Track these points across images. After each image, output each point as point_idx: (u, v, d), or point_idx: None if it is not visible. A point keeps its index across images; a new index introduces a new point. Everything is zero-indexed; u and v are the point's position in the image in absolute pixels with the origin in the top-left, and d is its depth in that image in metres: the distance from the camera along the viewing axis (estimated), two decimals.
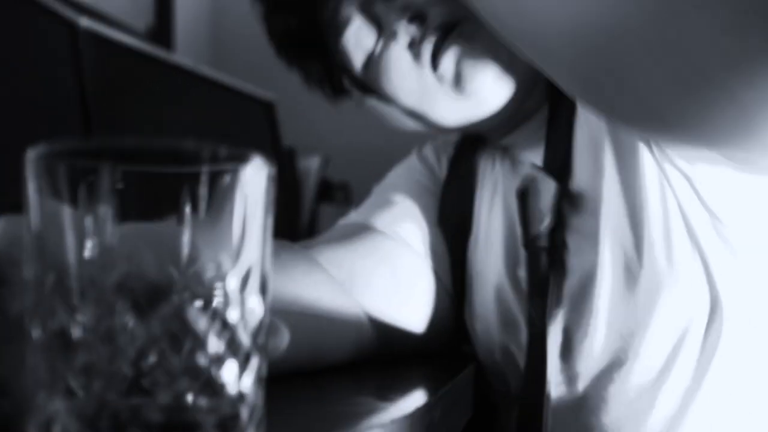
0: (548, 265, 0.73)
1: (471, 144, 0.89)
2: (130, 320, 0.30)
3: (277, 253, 0.36)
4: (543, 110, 0.78)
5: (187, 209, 0.30)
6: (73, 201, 0.31)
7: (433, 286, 0.83)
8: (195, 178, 0.30)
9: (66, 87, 1.22)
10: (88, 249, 0.31)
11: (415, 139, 2.05)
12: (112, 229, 0.31)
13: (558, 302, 0.73)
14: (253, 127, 1.78)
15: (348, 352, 0.75)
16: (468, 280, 0.85)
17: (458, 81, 0.73)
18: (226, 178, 0.31)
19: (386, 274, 0.80)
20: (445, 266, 0.85)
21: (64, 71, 1.22)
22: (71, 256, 0.31)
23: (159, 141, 0.30)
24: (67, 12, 1.24)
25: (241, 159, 0.32)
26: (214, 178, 0.31)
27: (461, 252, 0.85)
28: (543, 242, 0.73)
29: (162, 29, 1.96)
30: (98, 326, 0.30)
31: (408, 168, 0.93)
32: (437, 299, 0.83)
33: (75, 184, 0.31)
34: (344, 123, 2.14)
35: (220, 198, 0.31)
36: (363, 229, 0.83)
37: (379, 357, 0.79)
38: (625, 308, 0.69)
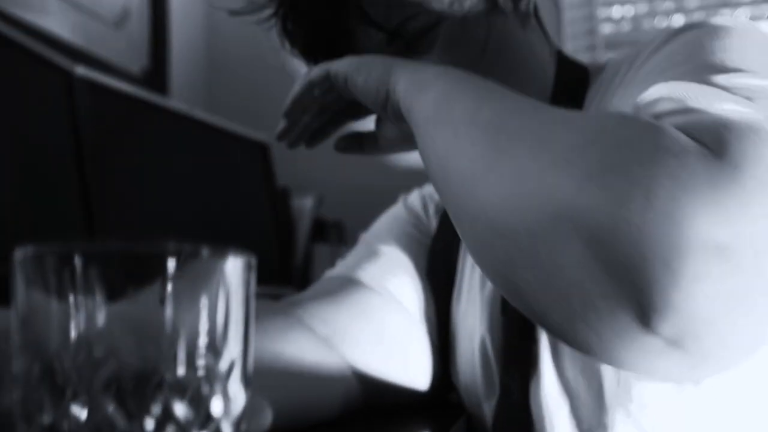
0: (522, 336, 0.72)
1: None
2: (117, 417, 0.30)
3: (258, 314, 0.37)
4: None
5: (171, 304, 0.31)
6: (61, 294, 0.32)
7: (418, 339, 0.84)
8: (179, 275, 0.31)
9: (61, 134, 1.24)
10: (75, 342, 0.32)
11: (406, 177, 2.07)
12: (98, 322, 0.32)
13: (534, 372, 0.72)
14: (247, 169, 1.79)
15: (334, 407, 0.75)
16: (452, 334, 0.85)
17: None
18: (208, 275, 0.32)
19: (371, 329, 0.81)
20: (430, 319, 0.86)
21: (59, 118, 1.24)
22: (58, 349, 0.32)
23: (143, 242, 0.31)
24: (63, 61, 1.26)
25: (222, 255, 0.32)
26: (197, 275, 0.32)
27: (447, 305, 0.86)
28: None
29: (157, 72, 1.98)
30: (87, 422, 0.30)
31: (394, 217, 0.95)
32: (423, 352, 0.84)
33: (62, 278, 0.32)
34: (338, 162, 2.16)
35: (203, 293, 0.32)
36: (348, 284, 0.84)
37: (368, 408, 0.80)
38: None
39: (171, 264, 0.31)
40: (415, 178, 2.04)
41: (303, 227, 1.94)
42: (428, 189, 0.99)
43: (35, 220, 1.13)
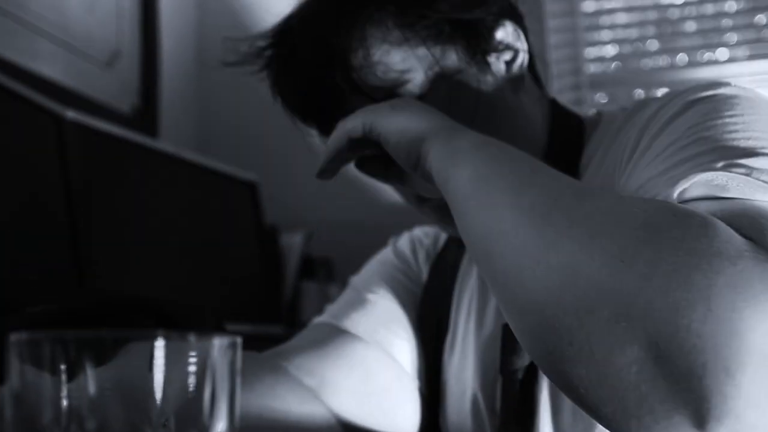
0: (523, 398, 0.73)
1: (455, 246, 0.91)
2: None
3: (246, 367, 0.38)
4: None
5: (160, 386, 0.32)
6: (54, 372, 0.33)
7: (406, 389, 0.85)
8: (167, 359, 0.33)
9: (51, 176, 1.25)
10: (67, 414, 0.33)
11: (395, 214, 2.09)
12: (89, 397, 0.33)
13: None
14: (237, 207, 1.81)
15: None
16: (443, 385, 0.86)
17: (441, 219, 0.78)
18: (196, 357, 0.33)
19: (358, 379, 0.81)
20: (419, 369, 0.87)
21: (49, 161, 1.25)
22: (50, 423, 0.33)
23: (134, 332, 0.33)
24: (54, 105, 1.28)
25: (208, 339, 0.34)
26: (184, 358, 0.33)
27: (437, 355, 0.87)
28: (519, 375, 0.73)
29: (147, 111, 2.00)
30: None
31: (383, 263, 0.95)
32: (410, 403, 0.85)
33: (55, 361, 0.33)
34: (326, 200, 2.19)
35: (191, 375, 0.33)
36: (336, 333, 0.85)
37: None
38: None
39: (159, 349, 0.32)
40: (403, 215, 2.06)
41: (292, 264, 1.95)
42: (418, 233, 1.00)
43: (24, 262, 1.14)
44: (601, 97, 2.19)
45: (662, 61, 2.20)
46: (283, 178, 2.13)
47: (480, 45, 0.76)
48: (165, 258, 1.49)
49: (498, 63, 0.78)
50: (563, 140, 0.81)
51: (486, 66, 0.77)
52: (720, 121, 0.58)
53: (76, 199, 1.27)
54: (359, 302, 0.88)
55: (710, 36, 2.16)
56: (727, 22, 2.16)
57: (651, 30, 2.22)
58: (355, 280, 0.95)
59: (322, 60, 0.76)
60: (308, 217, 2.12)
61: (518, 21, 0.81)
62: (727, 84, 0.65)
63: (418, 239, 0.98)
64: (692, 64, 2.16)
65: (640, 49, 2.21)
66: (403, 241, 0.98)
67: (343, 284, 1.99)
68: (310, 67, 0.77)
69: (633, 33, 2.23)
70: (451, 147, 0.62)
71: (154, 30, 2.06)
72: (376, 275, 0.93)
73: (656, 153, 0.60)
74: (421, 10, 0.74)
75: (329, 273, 1.99)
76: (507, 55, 0.79)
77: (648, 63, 2.21)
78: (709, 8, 2.18)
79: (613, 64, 2.22)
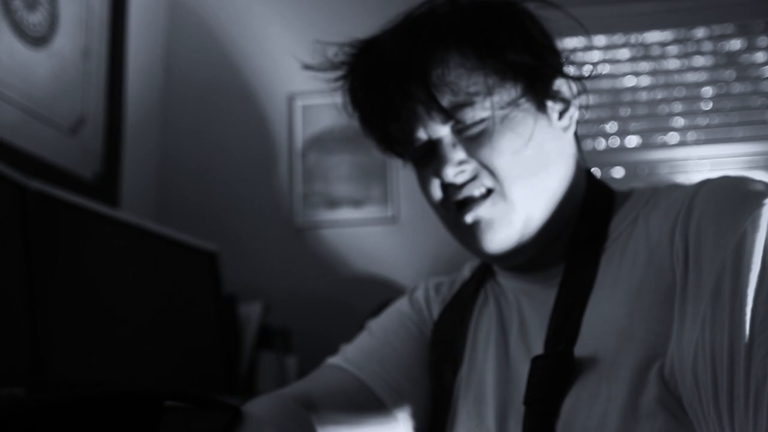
0: (543, 428, 0.75)
1: (473, 283, 0.98)
2: None
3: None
4: (560, 267, 0.86)
5: None
6: None
7: None
8: None
9: (12, 245, 1.24)
10: None
11: (351, 288, 2.10)
12: None
13: None
14: (196, 277, 1.81)
15: None
16: (451, 414, 0.89)
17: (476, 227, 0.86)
18: None
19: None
20: (425, 413, 0.92)
21: (11, 230, 1.25)
22: None
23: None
24: (17, 176, 1.28)
25: None
26: None
27: (449, 381, 0.91)
28: (543, 406, 0.76)
29: (109, 179, 2.00)
30: None
31: (399, 312, 1.01)
32: None
33: None
34: (284, 271, 2.20)
35: None
36: (352, 384, 0.91)
37: None
38: None
39: None
40: (360, 288, 2.07)
41: (249, 335, 1.94)
42: (434, 281, 1.05)
43: None
44: None
45: (616, 142, 2.27)
46: (242, 248, 2.14)
47: (538, 88, 0.85)
48: (124, 328, 1.48)
49: (553, 109, 0.88)
50: (597, 203, 0.88)
51: (543, 107, 0.86)
52: None
53: (36, 268, 1.27)
54: (372, 348, 0.94)
55: (661, 120, 2.25)
56: (676, 106, 2.25)
57: (606, 112, 2.30)
58: (372, 324, 1.00)
59: (404, 70, 0.85)
60: (266, 287, 2.12)
61: (576, 79, 0.91)
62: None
63: (434, 287, 1.04)
64: (645, 146, 2.24)
65: (596, 130, 2.29)
66: (419, 291, 1.04)
67: (301, 355, 2.00)
68: (392, 76, 0.86)
69: (589, 115, 2.31)
70: None
71: (119, 96, 2.09)
72: (392, 322, 0.99)
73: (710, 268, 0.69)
74: (494, 51, 0.83)
75: (286, 344, 1.99)
76: (560, 105, 0.88)
77: (603, 144, 2.28)
78: (659, 93, 2.27)
79: None
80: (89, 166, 1.93)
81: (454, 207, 0.86)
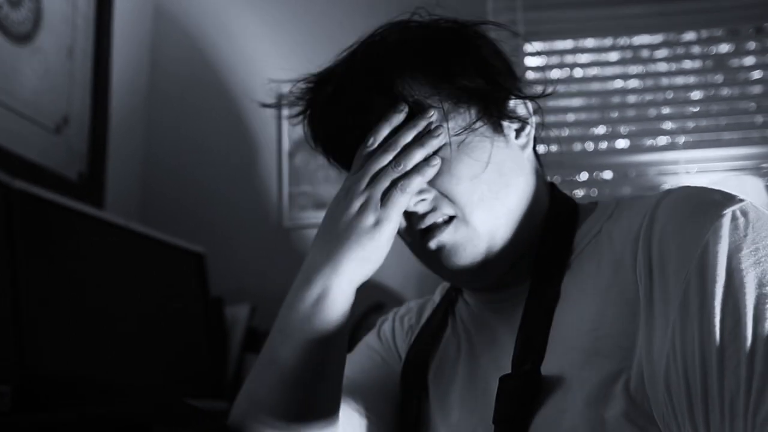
0: None
1: (441, 312, 0.98)
2: None
3: None
4: (527, 284, 0.85)
5: None
6: None
7: None
8: None
9: None
10: None
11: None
12: None
13: None
14: (183, 279, 1.79)
15: None
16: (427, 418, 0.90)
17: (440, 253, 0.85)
18: None
19: None
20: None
21: None
22: None
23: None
24: (1, 175, 1.26)
25: None
26: None
27: (413, 414, 0.91)
28: (511, 425, 0.75)
29: (93, 179, 1.98)
30: None
31: (367, 346, 1.03)
32: None
33: None
34: (271, 272, 2.18)
35: None
36: None
37: None
38: None
39: None
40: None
41: (236, 337, 1.92)
42: (402, 311, 1.06)
43: None
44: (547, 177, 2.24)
45: (605, 145, 2.27)
46: (228, 250, 2.12)
47: (493, 110, 0.85)
48: (109, 329, 1.46)
49: (510, 130, 0.87)
50: (561, 217, 0.88)
51: (499, 128, 0.86)
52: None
53: (21, 267, 1.25)
54: (344, 390, 0.92)
55: (650, 123, 2.25)
56: (665, 110, 2.25)
57: (595, 115, 2.30)
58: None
59: (359, 103, 0.86)
60: (253, 289, 2.10)
61: (531, 98, 0.91)
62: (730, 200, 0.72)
63: (400, 318, 1.04)
64: (634, 149, 2.23)
65: (585, 133, 2.28)
66: (387, 324, 1.05)
67: None
68: (348, 111, 0.86)
69: (579, 117, 2.31)
70: None
71: (104, 95, 2.06)
72: (361, 358, 1.00)
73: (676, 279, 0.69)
74: (446, 78, 0.84)
75: None
76: (516, 124, 0.88)
77: (591, 146, 2.28)
78: (649, 96, 2.27)
79: (558, 147, 2.28)
80: (74, 166, 1.90)
81: (418, 234, 0.86)
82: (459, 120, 0.83)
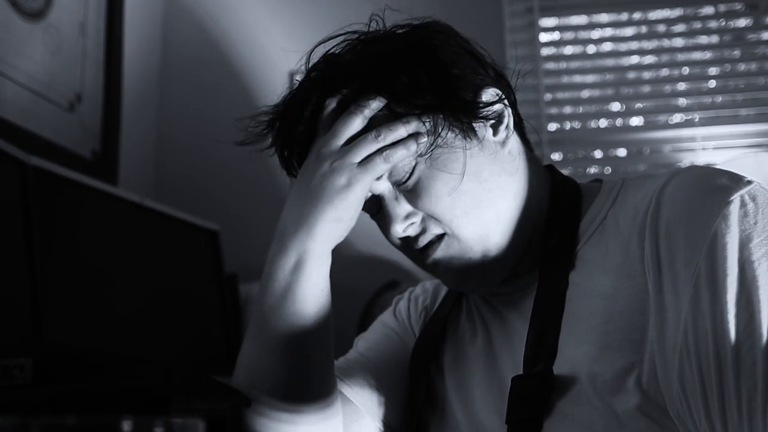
0: None
1: (451, 300, 0.98)
2: None
3: None
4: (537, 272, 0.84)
5: None
6: None
7: None
8: None
9: (13, 221, 1.23)
10: None
11: (351, 268, 2.07)
12: None
13: None
14: (197, 256, 1.79)
15: None
16: (437, 421, 0.90)
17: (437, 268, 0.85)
18: None
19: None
20: (397, 423, 0.92)
21: (12, 206, 1.23)
22: None
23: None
24: (17, 152, 1.26)
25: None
26: None
27: (420, 397, 0.91)
28: (525, 425, 0.75)
29: (107, 158, 1.97)
30: None
31: (384, 323, 1.02)
32: None
33: None
34: None
35: None
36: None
37: None
38: None
39: None
40: (358, 268, 2.05)
41: (250, 313, 1.93)
42: (418, 290, 1.05)
43: None
44: (560, 156, 2.23)
45: (620, 122, 2.25)
46: (241, 228, 2.12)
47: (461, 119, 0.82)
48: (124, 305, 1.47)
49: (484, 129, 0.84)
50: (563, 204, 0.86)
51: (471, 132, 0.82)
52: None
53: (37, 244, 1.25)
54: (358, 367, 0.94)
55: (666, 99, 2.23)
56: (681, 86, 2.22)
57: (610, 91, 2.27)
58: (359, 341, 1.01)
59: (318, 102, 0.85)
60: None
61: (502, 85, 0.88)
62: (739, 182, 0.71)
63: (415, 298, 1.04)
64: (649, 126, 2.21)
65: (602, 110, 2.26)
66: (402, 303, 1.04)
67: None
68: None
69: (593, 93, 2.29)
70: None
71: (117, 73, 2.05)
72: (377, 335, 1.00)
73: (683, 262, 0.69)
74: (401, 99, 0.81)
75: None
76: (491, 122, 0.85)
77: (606, 123, 2.26)
78: (664, 72, 2.25)
79: (573, 123, 2.27)
80: (88, 144, 1.90)
81: (417, 253, 0.86)
82: (425, 137, 0.81)
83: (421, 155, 0.81)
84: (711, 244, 0.67)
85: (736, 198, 0.69)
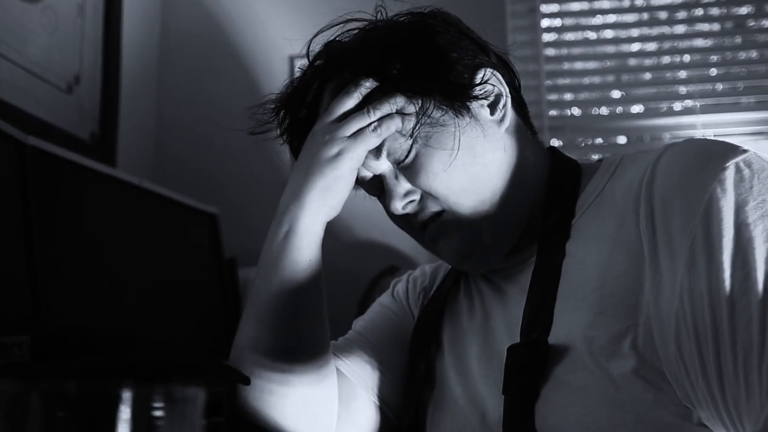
0: (523, 416, 0.74)
1: (451, 280, 0.99)
2: None
3: None
4: (535, 247, 0.85)
5: None
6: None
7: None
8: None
9: (11, 201, 1.22)
10: None
11: (349, 251, 2.06)
12: None
13: None
14: (196, 239, 1.78)
15: None
16: (436, 398, 0.91)
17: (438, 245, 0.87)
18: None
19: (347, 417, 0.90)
20: (393, 399, 0.94)
21: (9, 186, 1.23)
22: None
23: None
24: (16, 132, 1.25)
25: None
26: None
27: (420, 374, 0.93)
28: (522, 394, 0.75)
29: (105, 139, 1.97)
30: None
31: (382, 305, 1.04)
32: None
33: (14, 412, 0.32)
34: None
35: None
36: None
37: None
38: None
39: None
40: (356, 250, 2.05)
41: None
42: (417, 273, 1.07)
43: None
44: (560, 143, 2.22)
45: (621, 109, 2.24)
46: (241, 211, 2.11)
47: (455, 96, 0.84)
48: (121, 287, 1.46)
49: (481, 108, 0.86)
50: (563, 180, 0.88)
51: (466, 112, 0.85)
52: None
53: (35, 224, 1.25)
54: (355, 344, 0.96)
55: (667, 87, 2.22)
56: (682, 73, 2.22)
57: (611, 78, 2.27)
58: (358, 322, 1.02)
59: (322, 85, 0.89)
60: None
61: (499, 66, 0.90)
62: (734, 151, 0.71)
63: (413, 280, 1.05)
64: (650, 113, 2.21)
65: (604, 96, 2.26)
66: (401, 285, 1.06)
67: None
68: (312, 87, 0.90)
69: (594, 80, 2.28)
70: None
71: (115, 54, 2.04)
72: (375, 316, 1.02)
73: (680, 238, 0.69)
74: (397, 82, 0.85)
75: None
76: (488, 101, 0.87)
77: (606, 110, 2.25)
78: (665, 59, 2.24)
79: (574, 110, 2.26)
80: (86, 126, 1.89)
81: (419, 231, 0.88)
82: (412, 115, 0.84)
83: (413, 134, 0.83)
84: (707, 208, 0.68)
85: (731, 164, 0.69)
